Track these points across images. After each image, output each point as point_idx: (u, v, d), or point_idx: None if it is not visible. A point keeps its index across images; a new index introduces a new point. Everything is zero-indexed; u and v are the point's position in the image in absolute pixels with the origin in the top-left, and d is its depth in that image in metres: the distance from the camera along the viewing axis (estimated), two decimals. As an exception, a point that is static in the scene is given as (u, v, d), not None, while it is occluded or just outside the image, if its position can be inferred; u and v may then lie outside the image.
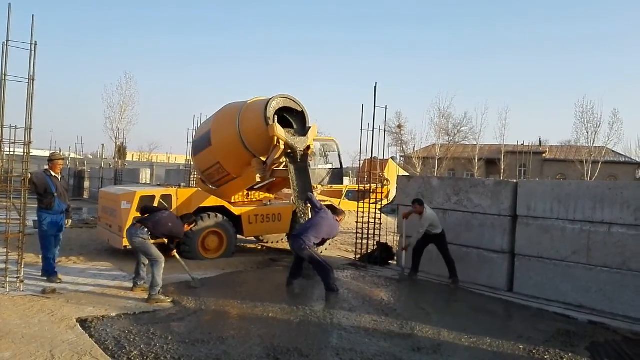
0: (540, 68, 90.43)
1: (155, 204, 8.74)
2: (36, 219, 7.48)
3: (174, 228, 6.78)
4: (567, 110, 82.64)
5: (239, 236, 9.92)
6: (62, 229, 7.46)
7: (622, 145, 61.19)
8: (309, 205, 8.18)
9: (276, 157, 9.02)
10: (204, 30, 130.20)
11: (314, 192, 9.27)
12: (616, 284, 6.61)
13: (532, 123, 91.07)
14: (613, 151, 37.52)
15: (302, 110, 9.47)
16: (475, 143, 38.32)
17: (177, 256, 7.10)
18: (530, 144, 37.66)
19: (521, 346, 5.18)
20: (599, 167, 32.01)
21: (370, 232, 9.91)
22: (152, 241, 6.68)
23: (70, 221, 7.67)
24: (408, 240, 8.34)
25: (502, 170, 35.78)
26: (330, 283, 7.05)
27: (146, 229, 6.52)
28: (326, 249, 10.45)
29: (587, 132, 32.72)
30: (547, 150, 44.62)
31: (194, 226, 7.17)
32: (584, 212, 6.95)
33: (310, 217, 8.15)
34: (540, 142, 46.43)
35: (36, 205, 7.29)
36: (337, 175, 15.15)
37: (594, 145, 32.88)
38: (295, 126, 9.42)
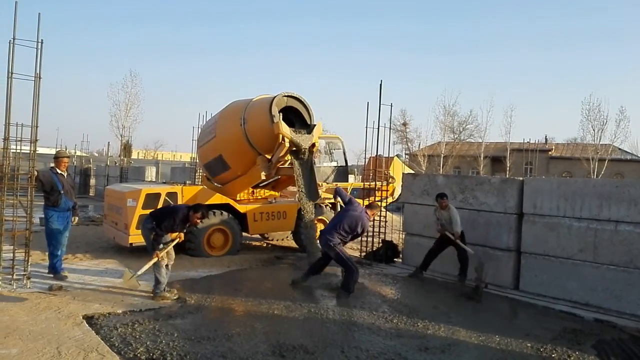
0: (546, 65, 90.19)
1: (161, 202, 8.77)
2: (43, 216, 7.52)
3: (169, 214, 6.42)
4: (573, 108, 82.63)
5: (244, 234, 9.94)
6: (69, 226, 7.49)
7: (629, 143, 60.80)
8: (339, 199, 8.10)
9: (281, 154, 9.01)
10: (210, 28, 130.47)
11: (319, 190, 9.27)
12: (623, 282, 6.57)
13: (538, 120, 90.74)
14: (619, 149, 37.34)
15: (307, 108, 9.46)
16: (481, 141, 38.17)
17: (156, 257, 6.25)
18: (536, 142, 37.50)
19: (529, 344, 5.16)
20: (606, 164, 31.88)
21: (375, 230, 9.90)
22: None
23: (76, 218, 7.69)
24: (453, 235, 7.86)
25: (508, 168, 35.66)
26: (350, 284, 6.90)
27: (150, 219, 6.53)
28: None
29: (594, 130, 32.66)
30: (553, 147, 44.39)
31: (202, 220, 6.72)
32: (591, 210, 6.91)
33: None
34: (546, 139, 46.19)
35: (43, 203, 7.33)
36: (342, 172, 15.14)
37: (601, 142, 32.76)
38: (300, 124, 9.41)
